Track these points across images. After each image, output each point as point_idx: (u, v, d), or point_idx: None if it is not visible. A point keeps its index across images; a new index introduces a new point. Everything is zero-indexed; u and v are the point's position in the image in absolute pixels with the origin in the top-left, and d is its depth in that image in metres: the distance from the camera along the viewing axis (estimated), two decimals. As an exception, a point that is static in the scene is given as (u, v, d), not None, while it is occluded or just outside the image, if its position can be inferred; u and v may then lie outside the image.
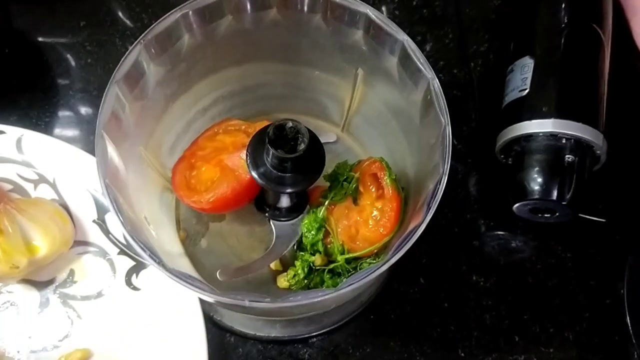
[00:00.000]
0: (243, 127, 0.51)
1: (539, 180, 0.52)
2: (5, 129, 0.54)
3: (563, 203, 0.51)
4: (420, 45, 0.64)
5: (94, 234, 0.53)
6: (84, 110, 0.62)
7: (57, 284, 0.53)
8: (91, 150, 0.54)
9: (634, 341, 0.53)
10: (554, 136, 0.52)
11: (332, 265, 0.48)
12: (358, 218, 0.49)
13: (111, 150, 0.40)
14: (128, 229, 0.38)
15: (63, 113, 0.62)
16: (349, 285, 0.36)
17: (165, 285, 0.51)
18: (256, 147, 0.43)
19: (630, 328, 0.53)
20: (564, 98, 0.52)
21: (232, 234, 0.52)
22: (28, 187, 0.54)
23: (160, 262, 0.37)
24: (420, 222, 0.38)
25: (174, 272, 0.37)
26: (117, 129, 0.41)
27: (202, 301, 0.50)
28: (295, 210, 0.50)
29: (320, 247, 0.49)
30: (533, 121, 0.52)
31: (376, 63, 0.46)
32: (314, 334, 0.54)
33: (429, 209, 0.38)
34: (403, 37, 0.42)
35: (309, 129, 0.41)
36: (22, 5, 0.66)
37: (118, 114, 0.42)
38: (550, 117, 0.52)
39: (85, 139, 0.61)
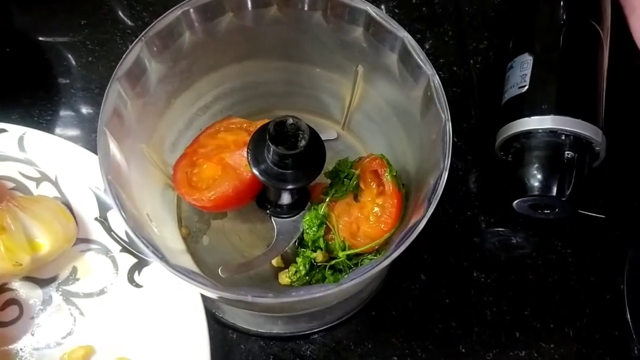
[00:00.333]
0: (244, 125, 0.51)
1: (539, 176, 0.52)
2: (7, 127, 0.54)
3: (563, 199, 0.51)
4: (420, 42, 0.64)
5: (96, 231, 0.53)
6: (85, 108, 0.62)
7: (59, 281, 0.53)
8: (93, 148, 0.54)
9: (634, 336, 0.53)
10: (553, 133, 0.52)
11: (333, 262, 0.49)
12: (359, 214, 0.49)
13: (113, 148, 0.40)
14: (131, 226, 0.38)
15: (65, 111, 0.62)
16: (351, 281, 0.37)
17: (167, 282, 0.51)
18: (257, 144, 0.43)
19: (630, 323, 0.53)
20: (563, 95, 0.53)
21: (233, 231, 0.53)
22: (30, 185, 0.54)
23: (163, 258, 0.37)
24: (421, 218, 0.38)
25: (177, 268, 0.37)
26: (119, 126, 0.42)
27: (204, 298, 0.50)
28: (297, 207, 0.50)
29: (321, 243, 0.49)
30: (532, 118, 0.53)
31: (376, 60, 0.46)
32: (316, 330, 0.54)
33: (429, 204, 0.38)
34: (403, 34, 0.42)
35: (309, 126, 0.41)
36: (22, 5, 0.66)
37: (120, 111, 0.42)
38: (549, 114, 0.52)
39: (87, 137, 0.61)
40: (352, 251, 0.48)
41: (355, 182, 0.49)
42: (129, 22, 0.66)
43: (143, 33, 0.42)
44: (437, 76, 0.41)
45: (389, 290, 0.56)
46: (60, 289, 0.53)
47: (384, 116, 0.51)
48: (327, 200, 0.49)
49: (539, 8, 0.57)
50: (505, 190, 0.56)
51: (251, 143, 0.44)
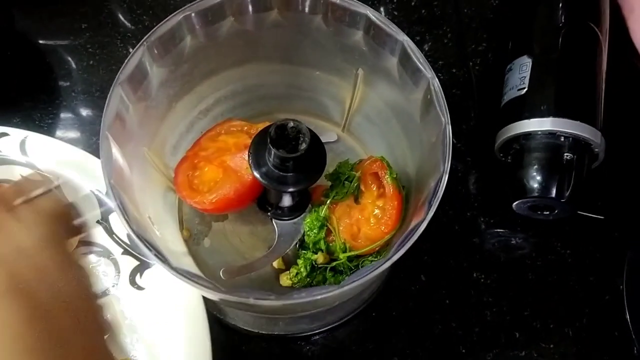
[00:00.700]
0: (245, 127, 0.51)
1: (538, 178, 0.52)
2: (9, 130, 0.54)
3: (562, 200, 0.52)
4: (419, 44, 0.65)
5: (98, 234, 0.54)
6: (86, 111, 0.63)
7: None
8: (94, 151, 0.54)
9: (633, 336, 0.53)
10: (552, 134, 0.52)
11: (334, 263, 0.49)
12: (360, 216, 0.49)
13: (115, 151, 0.41)
14: (133, 229, 0.38)
15: (66, 115, 0.62)
16: (352, 282, 0.37)
17: (169, 285, 0.51)
18: (258, 147, 0.44)
19: (629, 323, 0.54)
20: (562, 97, 0.53)
21: (234, 233, 0.53)
22: (32, 188, 0.54)
23: (165, 261, 0.38)
24: (421, 220, 0.38)
25: (179, 271, 0.37)
26: (121, 130, 0.42)
27: (205, 300, 0.50)
28: (298, 209, 0.50)
29: (322, 245, 0.49)
30: (532, 120, 0.53)
31: (376, 63, 0.47)
32: (317, 331, 0.55)
33: (430, 206, 0.39)
34: (403, 37, 0.43)
35: (309, 129, 0.41)
36: (23, 8, 0.67)
37: (122, 115, 0.42)
38: (548, 116, 0.52)
39: (87, 140, 0.61)
40: (352, 253, 0.49)
41: (355, 184, 0.50)
42: (130, 26, 0.66)
43: (145, 38, 0.42)
44: (436, 79, 0.42)
45: (390, 291, 0.56)
46: (62, 292, 0.53)
47: (384, 118, 0.52)
48: (328, 202, 0.50)
49: (538, 10, 0.58)
50: (504, 191, 0.56)
51: (252, 146, 0.44)
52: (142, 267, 0.53)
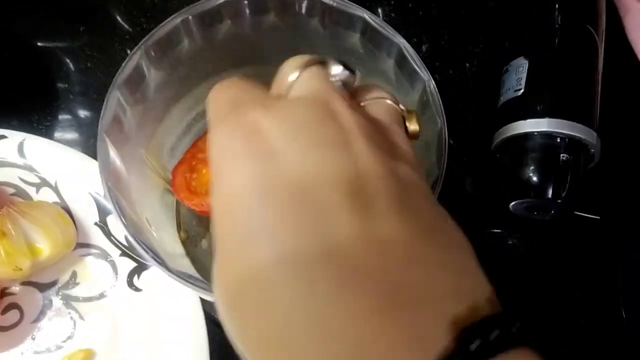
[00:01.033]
0: (243, 129, 0.51)
1: (535, 178, 0.52)
2: (7, 133, 0.55)
3: (558, 201, 0.52)
4: (416, 46, 0.65)
5: (95, 236, 0.54)
6: (84, 113, 0.63)
7: (59, 285, 0.53)
8: (92, 154, 0.54)
9: (630, 337, 0.53)
10: (549, 135, 0.52)
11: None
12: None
13: (113, 154, 0.41)
14: (131, 232, 0.38)
15: (63, 117, 0.62)
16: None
17: (167, 286, 0.52)
18: None
19: (626, 323, 0.54)
20: (558, 98, 0.53)
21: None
22: (30, 190, 0.54)
23: (163, 264, 0.38)
24: (418, 222, 0.38)
25: (177, 273, 0.37)
26: (118, 133, 0.42)
27: (203, 301, 0.50)
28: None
29: None
30: (528, 120, 0.53)
31: (373, 65, 0.47)
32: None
33: (426, 208, 0.39)
34: (400, 40, 0.43)
35: None
36: (20, 10, 0.67)
37: (119, 117, 0.42)
38: (545, 117, 0.52)
39: (85, 142, 0.61)
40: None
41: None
42: (128, 28, 0.66)
43: (143, 41, 0.42)
44: (433, 81, 0.42)
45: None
46: (60, 293, 0.53)
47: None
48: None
49: (534, 12, 0.58)
50: (501, 192, 0.56)
51: None
52: (140, 268, 0.53)
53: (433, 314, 0.24)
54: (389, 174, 0.27)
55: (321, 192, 0.25)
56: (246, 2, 0.44)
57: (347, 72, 0.33)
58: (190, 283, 0.37)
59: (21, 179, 0.54)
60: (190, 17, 0.43)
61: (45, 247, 0.50)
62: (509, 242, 0.59)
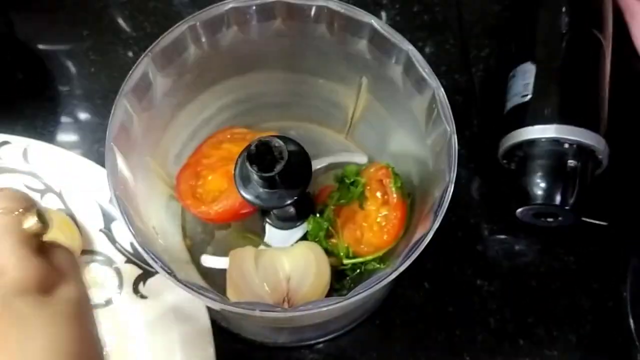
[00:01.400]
0: (248, 136, 0.51)
1: (542, 185, 0.52)
2: (11, 139, 0.54)
3: (566, 208, 0.52)
4: (421, 50, 0.64)
5: (100, 242, 0.54)
6: (88, 118, 0.62)
7: (64, 293, 0.53)
8: (96, 159, 0.54)
9: (637, 343, 0.53)
10: (556, 141, 0.52)
11: (340, 267, 0.49)
12: (364, 223, 0.49)
13: (120, 162, 0.41)
14: (139, 241, 0.38)
15: (67, 122, 0.62)
16: (359, 294, 0.37)
17: (172, 293, 0.51)
18: (243, 165, 0.44)
19: (633, 330, 0.54)
20: (566, 104, 0.53)
21: (237, 241, 0.53)
22: (35, 196, 0.54)
23: (172, 274, 0.37)
24: (427, 231, 0.38)
25: (186, 283, 0.37)
26: (125, 140, 0.42)
27: (209, 308, 0.50)
28: (299, 218, 0.50)
29: (324, 244, 0.49)
30: (535, 127, 0.53)
31: (380, 72, 0.46)
32: (321, 340, 0.55)
33: (436, 217, 0.38)
34: (407, 46, 0.43)
35: (298, 142, 0.42)
36: (24, 14, 0.66)
37: (126, 125, 0.42)
38: (552, 123, 0.52)
39: (89, 147, 0.61)
40: (357, 260, 0.49)
41: (360, 190, 0.50)
42: (131, 32, 0.66)
43: (150, 49, 0.42)
44: (442, 89, 0.41)
45: (393, 299, 0.56)
46: (65, 301, 0.53)
47: (387, 126, 0.51)
48: (331, 206, 0.49)
49: (541, 17, 0.58)
50: (507, 198, 0.56)
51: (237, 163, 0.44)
52: (145, 275, 0.53)
53: None
54: None
55: None
56: (253, 8, 0.44)
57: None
58: (200, 293, 0.37)
59: (26, 186, 0.54)
60: (197, 24, 0.43)
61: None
62: (516, 249, 0.58)
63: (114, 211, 0.53)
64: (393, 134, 0.52)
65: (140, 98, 0.43)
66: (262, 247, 0.51)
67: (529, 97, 0.54)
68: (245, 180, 0.43)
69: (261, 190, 0.43)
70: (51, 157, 0.54)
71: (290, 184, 0.42)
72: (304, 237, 0.51)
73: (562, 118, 0.52)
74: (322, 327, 0.54)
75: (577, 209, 0.52)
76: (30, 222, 0.38)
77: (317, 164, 0.52)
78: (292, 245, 0.50)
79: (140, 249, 0.37)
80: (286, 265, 0.45)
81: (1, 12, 0.66)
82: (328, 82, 0.51)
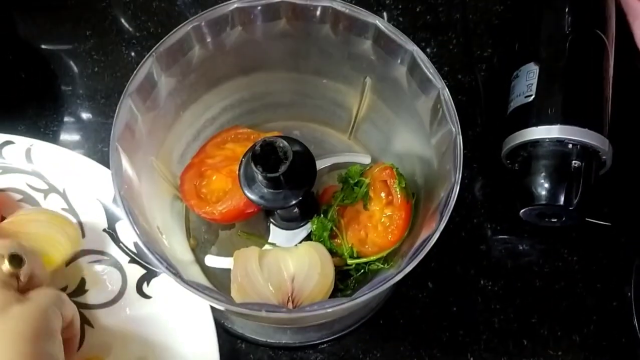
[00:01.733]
0: (252, 136, 0.51)
1: (546, 185, 0.52)
2: (14, 139, 0.54)
3: (570, 208, 0.52)
4: (424, 50, 0.64)
5: (104, 242, 0.54)
6: (91, 118, 0.62)
7: (69, 292, 0.53)
8: (99, 159, 0.54)
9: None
10: (560, 142, 0.52)
11: (344, 268, 0.49)
12: (368, 223, 0.49)
13: (125, 163, 0.41)
14: (144, 241, 0.38)
15: (70, 122, 0.62)
16: (364, 294, 0.37)
17: (176, 293, 0.51)
18: (247, 165, 0.44)
19: (637, 330, 0.54)
20: (569, 104, 0.53)
21: (242, 241, 0.53)
22: (38, 196, 0.54)
23: (177, 274, 0.37)
24: (433, 231, 0.38)
25: (192, 284, 0.37)
26: (130, 141, 0.42)
27: (213, 308, 0.50)
28: (302, 218, 0.50)
29: (328, 245, 0.49)
30: (539, 127, 0.53)
31: (385, 72, 0.46)
32: (325, 339, 0.55)
33: (441, 217, 0.38)
34: (412, 47, 0.43)
35: (302, 143, 0.42)
36: (26, 14, 0.66)
37: (131, 125, 0.42)
38: (556, 123, 0.52)
39: (93, 147, 0.61)
40: (361, 260, 0.49)
41: (364, 190, 0.50)
42: (134, 32, 0.66)
43: (154, 49, 0.42)
44: (446, 90, 0.41)
45: (397, 299, 0.56)
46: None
47: (392, 126, 0.51)
48: (335, 206, 0.49)
49: (544, 17, 0.58)
50: (511, 198, 0.56)
51: (241, 164, 0.44)
52: (149, 275, 0.53)
53: None
54: None
55: None
56: (258, 8, 0.44)
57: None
58: (205, 294, 0.37)
59: (29, 185, 0.54)
60: (202, 24, 0.43)
61: (55, 254, 0.50)
62: (520, 249, 0.58)
63: (118, 211, 0.53)
64: (397, 134, 0.52)
65: (145, 98, 0.43)
66: (266, 247, 0.51)
67: (533, 97, 0.54)
68: (250, 181, 0.43)
69: (265, 190, 0.43)
70: (54, 156, 0.54)
71: (294, 184, 0.42)
72: (308, 237, 0.51)
73: (566, 118, 0.52)
74: (326, 327, 0.54)
75: (580, 209, 0.52)
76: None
77: (321, 164, 0.52)
78: (296, 245, 0.50)
79: (144, 249, 0.37)
80: (290, 265, 0.45)
81: (4, 12, 0.66)
82: (332, 82, 0.51)
